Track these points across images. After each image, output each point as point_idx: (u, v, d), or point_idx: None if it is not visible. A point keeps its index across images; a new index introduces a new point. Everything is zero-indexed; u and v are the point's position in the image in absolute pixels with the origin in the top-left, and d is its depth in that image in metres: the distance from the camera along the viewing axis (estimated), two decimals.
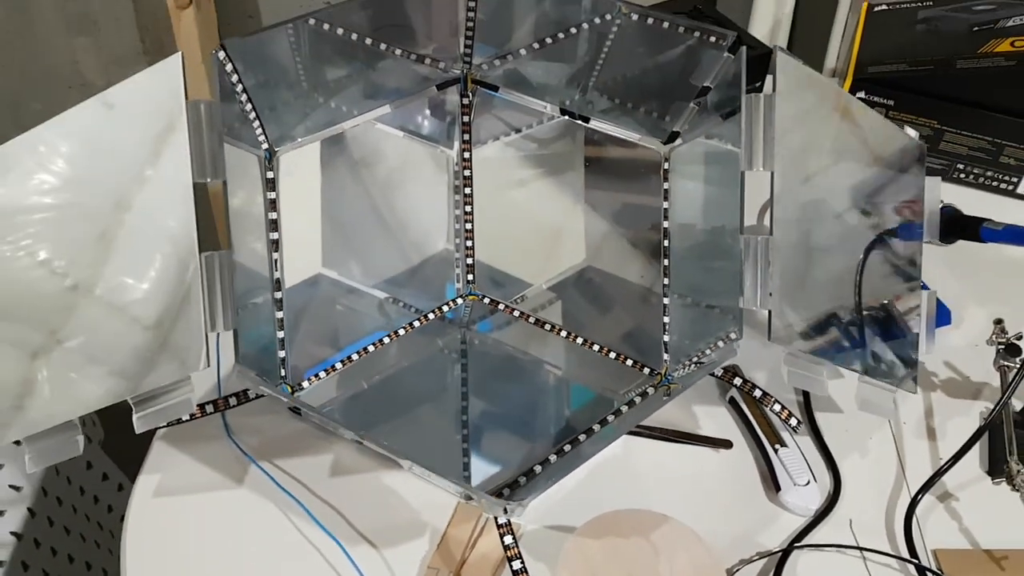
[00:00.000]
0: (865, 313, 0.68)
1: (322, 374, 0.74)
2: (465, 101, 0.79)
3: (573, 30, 0.75)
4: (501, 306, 0.82)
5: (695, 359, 0.72)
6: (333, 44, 0.72)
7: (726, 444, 0.70)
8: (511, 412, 0.77)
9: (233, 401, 0.66)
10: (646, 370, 0.75)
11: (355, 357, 0.76)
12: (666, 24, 0.69)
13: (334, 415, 0.72)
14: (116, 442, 1.20)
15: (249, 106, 0.63)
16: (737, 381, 0.68)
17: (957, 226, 0.75)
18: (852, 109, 0.62)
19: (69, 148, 0.56)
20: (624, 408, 0.71)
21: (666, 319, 0.75)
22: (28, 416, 0.55)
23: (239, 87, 0.60)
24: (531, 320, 0.80)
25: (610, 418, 0.70)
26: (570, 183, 0.83)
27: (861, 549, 0.63)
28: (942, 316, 0.80)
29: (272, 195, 0.70)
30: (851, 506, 0.66)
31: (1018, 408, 0.71)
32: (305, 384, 0.73)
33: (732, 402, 0.73)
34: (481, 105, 0.80)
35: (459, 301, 0.82)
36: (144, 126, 0.55)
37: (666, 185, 0.73)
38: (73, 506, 1.09)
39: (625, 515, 0.60)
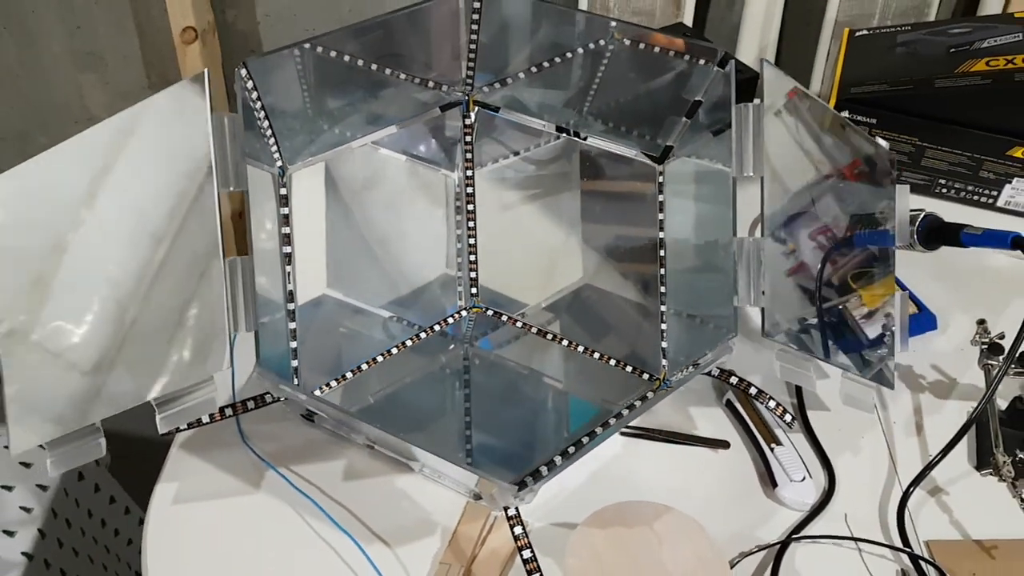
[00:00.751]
0: (843, 315, 0.72)
1: (333, 383, 0.76)
2: (468, 122, 0.82)
3: (568, 55, 0.79)
4: (504, 317, 0.84)
5: (693, 363, 0.75)
6: (338, 70, 0.75)
7: (724, 444, 0.73)
8: (514, 428, 0.79)
9: (251, 405, 0.69)
10: (645, 375, 0.78)
11: (364, 367, 0.79)
12: (657, 49, 0.73)
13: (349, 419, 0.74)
14: (123, 466, 1.22)
15: (267, 123, 0.67)
16: (733, 380, 0.71)
17: (939, 233, 0.79)
18: (833, 119, 0.66)
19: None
20: (625, 412, 0.74)
21: (664, 326, 0.78)
22: None
23: (258, 104, 0.64)
24: (533, 330, 0.83)
25: (612, 421, 0.73)
26: (567, 204, 0.86)
27: (856, 540, 0.66)
28: (928, 322, 0.83)
29: (285, 210, 0.73)
30: (846, 500, 0.69)
31: (1003, 406, 0.74)
32: (316, 394, 0.75)
33: (728, 405, 0.76)
34: (481, 128, 0.83)
35: (463, 314, 0.85)
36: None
37: (661, 197, 0.77)
38: (82, 528, 1.10)
39: (629, 506, 0.62)
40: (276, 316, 0.73)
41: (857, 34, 1.09)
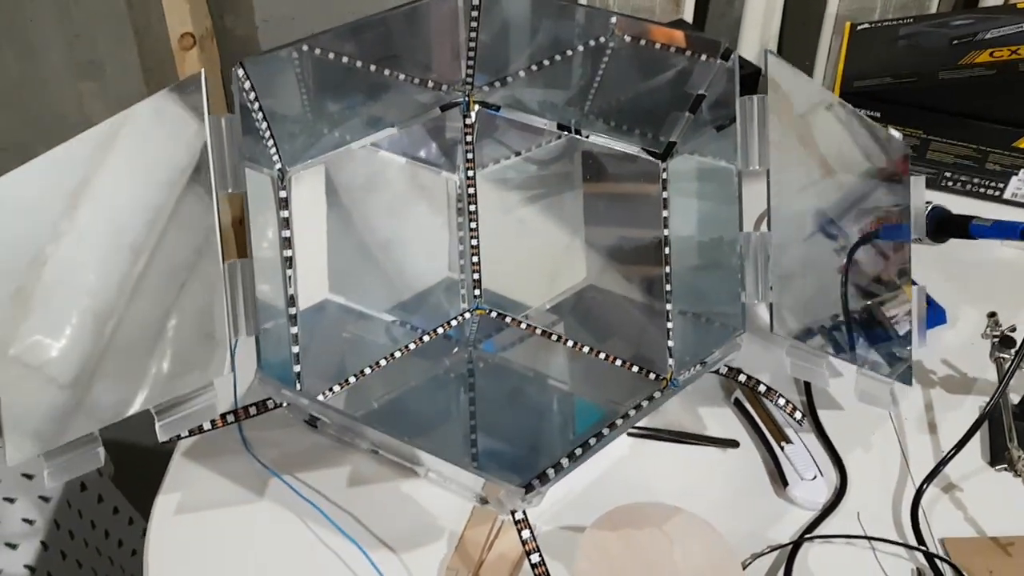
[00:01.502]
0: (859, 311, 0.70)
1: (336, 388, 0.76)
2: (468, 122, 0.82)
3: (569, 52, 0.78)
4: (508, 319, 0.83)
5: (700, 361, 0.74)
6: (336, 71, 0.74)
7: (733, 444, 0.72)
8: (520, 431, 0.78)
9: (253, 411, 0.68)
10: (652, 375, 0.77)
11: (367, 371, 0.78)
12: (658, 45, 0.72)
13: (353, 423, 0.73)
14: (126, 476, 1.21)
15: (265, 124, 0.66)
16: (742, 378, 0.70)
17: (948, 225, 0.78)
18: (840, 109, 0.65)
19: None
20: (632, 412, 0.73)
21: (669, 325, 0.77)
22: None
23: (256, 104, 0.63)
24: (538, 331, 0.82)
25: (618, 422, 0.72)
26: (569, 204, 0.85)
27: (870, 539, 0.64)
28: (938, 316, 0.82)
29: (285, 213, 0.72)
30: (858, 499, 0.68)
31: (1016, 400, 0.73)
32: (320, 399, 0.74)
33: (737, 403, 0.75)
34: (482, 129, 0.83)
35: (467, 316, 0.84)
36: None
37: (665, 194, 0.76)
38: (85, 540, 1.09)
39: (639, 507, 0.61)
40: (278, 321, 0.72)
41: (859, 28, 1.08)
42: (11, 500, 0.99)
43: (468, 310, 0.84)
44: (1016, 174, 0.96)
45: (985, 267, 0.89)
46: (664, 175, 0.76)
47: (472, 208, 0.84)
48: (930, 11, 1.16)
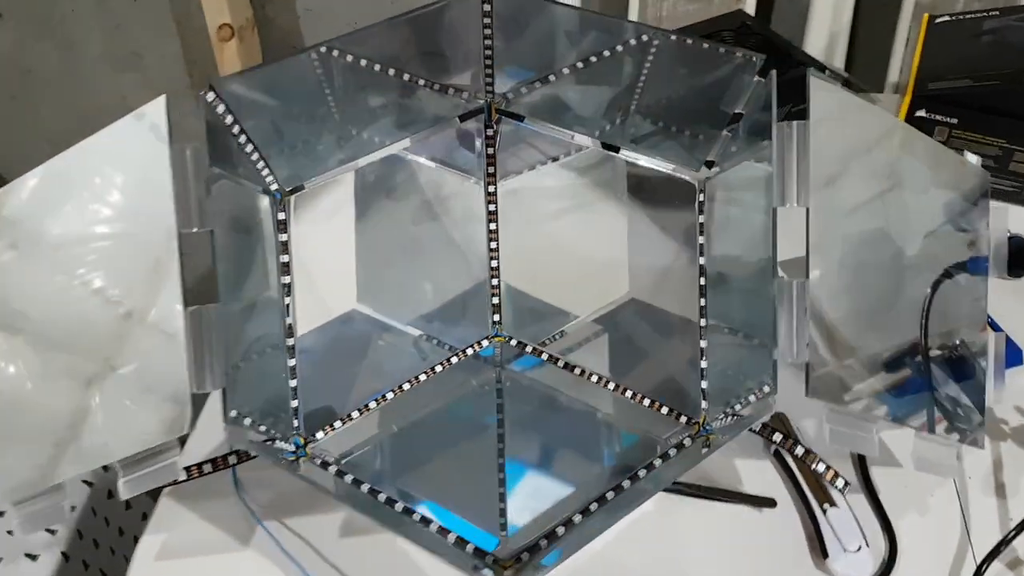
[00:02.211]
0: (922, 358, 0.62)
1: (337, 424, 0.70)
2: (489, 132, 0.75)
3: (607, 53, 0.71)
4: (529, 348, 0.77)
5: (736, 405, 0.67)
6: (348, 76, 0.69)
7: (769, 503, 0.64)
8: (550, 456, 0.72)
9: (233, 459, 0.63)
10: (683, 419, 0.70)
11: (372, 405, 0.72)
12: (705, 45, 0.64)
13: (348, 468, 0.68)
14: None
15: (251, 147, 0.60)
16: (777, 437, 0.62)
17: None
18: (902, 135, 0.56)
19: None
20: (658, 462, 0.66)
21: (703, 364, 0.69)
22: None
23: (235, 128, 0.57)
24: (559, 364, 0.75)
25: (641, 473, 0.65)
26: (612, 212, 0.79)
27: None
28: (1012, 356, 0.72)
29: (283, 237, 0.66)
30: (908, 574, 0.60)
31: None
32: (320, 435, 0.69)
33: (777, 455, 0.67)
34: (513, 133, 0.76)
35: (484, 343, 0.78)
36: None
37: (701, 218, 0.68)
38: (111, 548, 1.07)
39: None
40: (274, 353, 0.67)
41: (937, 20, 0.97)
42: None
43: (487, 336, 0.78)
44: None
45: None
46: (700, 196, 0.68)
47: (493, 226, 0.77)
48: (1019, 2, 1.04)
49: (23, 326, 0.55)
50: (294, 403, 0.68)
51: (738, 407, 0.67)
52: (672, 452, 0.67)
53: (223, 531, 0.63)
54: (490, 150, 0.75)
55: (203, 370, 0.53)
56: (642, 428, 0.72)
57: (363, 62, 0.68)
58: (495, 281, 0.78)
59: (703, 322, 0.69)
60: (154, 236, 0.55)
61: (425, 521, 0.58)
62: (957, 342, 0.63)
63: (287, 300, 0.67)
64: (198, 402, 0.60)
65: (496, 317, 0.78)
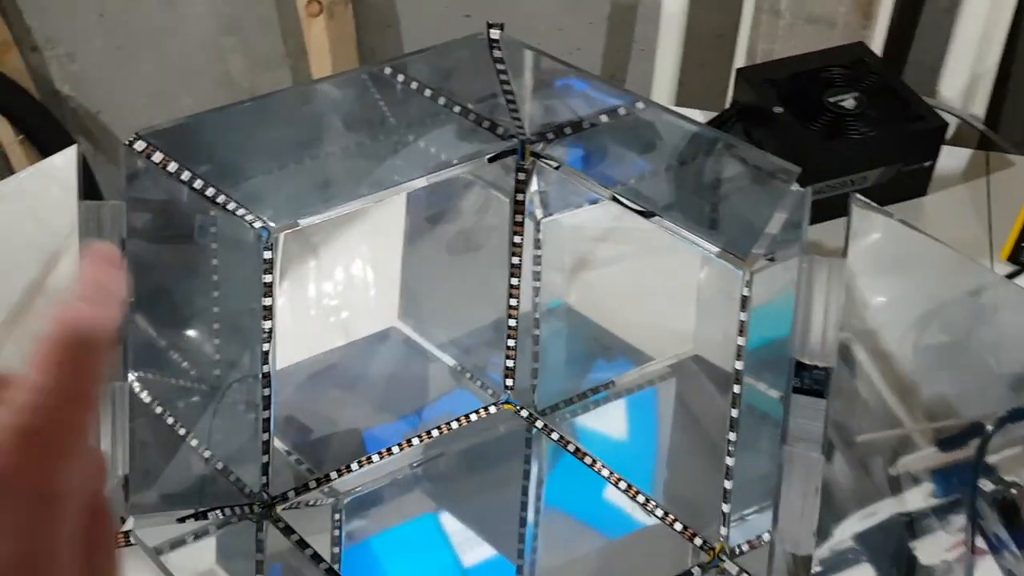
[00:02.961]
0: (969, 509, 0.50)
1: (308, 490, 0.64)
2: (521, 176, 0.65)
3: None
4: (540, 424, 0.68)
5: (765, 535, 0.57)
6: (372, 97, 0.61)
7: None
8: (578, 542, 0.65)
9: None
10: (698, 540, 0.60)
11: (355, 467, 0.65)
12: (734, 146, 0.53)
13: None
14: None
15: (212, 190, 0.53)
16: None
17: None
18: (988, 289, 0.43)
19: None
20: None
21: (728, 484, 0.58)
22: None
23: (184, 174, 0.50)
24: (570, 449, 0.66)
25: None
26: (679, 258, 0.69)
27: None
28: None
29: (268, 279, 0.59)
30: None
31: None
32: (291, 494, 0.63)
33: None
34: (547, 176, 0.67)
35: (492, 410, 0.69)
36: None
37: (742, 316, 0.57)
38: None
39: None
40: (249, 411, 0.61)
41: None
42: None
43: (495, 403, 0.69)
44: None
45: None
46: (746, 290, 0.56)
47: (515, 280, 0.68)
48: None
49: None
50: (264, 459, 0.62)
51: (766, 536, 0.57)
52: None
53: None
54: (520, 196, 0.66)
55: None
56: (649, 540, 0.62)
57: (398, 80, 0.60)
58: (512, 342, 0.69)
59: (732, 436, 0.58)
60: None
61: None
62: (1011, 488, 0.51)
63: (266, 347, 0.60)
64: None
65: (508, 381, 0.69)
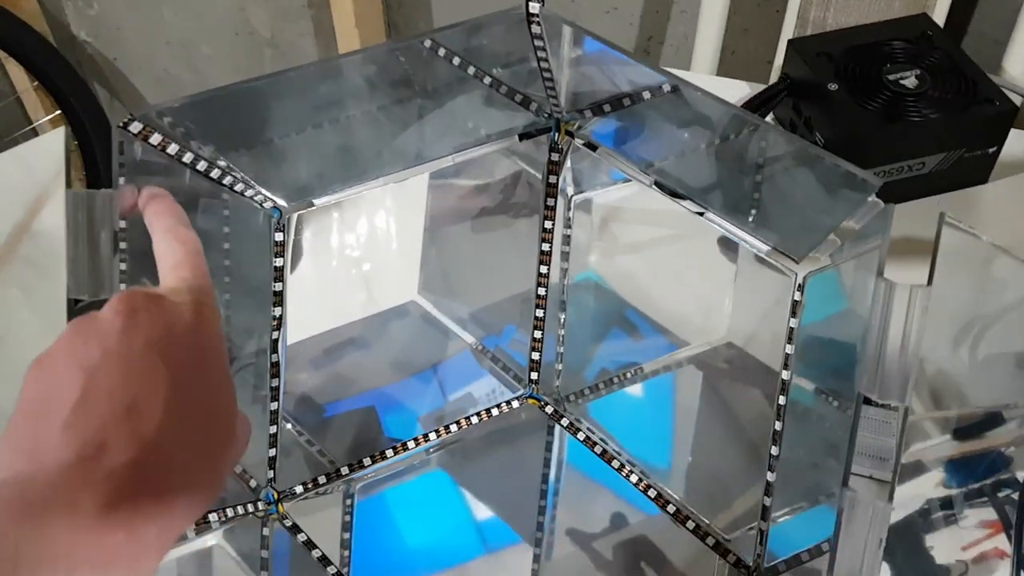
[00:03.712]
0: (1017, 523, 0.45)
1: (311, 484, 0.60)
2: (555, 157, 0.60)
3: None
4: (565, 422, 0.64)
5: (804, 555, 0.53)
6: (401, 68, 0.57)
7: None
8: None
9: None
10: (731, 556, 0.56)
11: (368, 462, 0.62)
12: (814, 152, 0.48)
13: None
14: None
15: (218, 171, 0.48)
16: None
17: None
18: None
19: None
20: None
21: (767, 500, 0.54)
22: None
23: (187, 156, 0.45)
24: (597, 451, 0.62)
25: None
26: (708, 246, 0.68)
27: None
28: None
29: (279, 262, 0.55)
30: None
31: None
32: (299, 489, 0.60)
33: None
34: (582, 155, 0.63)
35: (515, 404, 0.65)
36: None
37: (793, 323, 0.52)
38: None
39: None
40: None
41: None
42: None
43: (518, 397, 0.65)
44: None
45: None
46: (798, 295, 0.51)
47: (544, 269, 0.63)
48: None
49: None
50: (271, 452, 0.58)
51: (805, 558, 0.53)
52: None
53: None
54: (552, 179, 0.61)
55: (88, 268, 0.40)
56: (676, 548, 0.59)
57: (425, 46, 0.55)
58: (538, 333, 0.64)
59: (775, 450, 0.54)
60: None
61: None
62: None
63: (276, 334, 0.56)
64: None
65: (534, 375, 0.65)
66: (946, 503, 0.55)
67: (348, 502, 0.64)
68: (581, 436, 0.62)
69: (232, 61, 1.43)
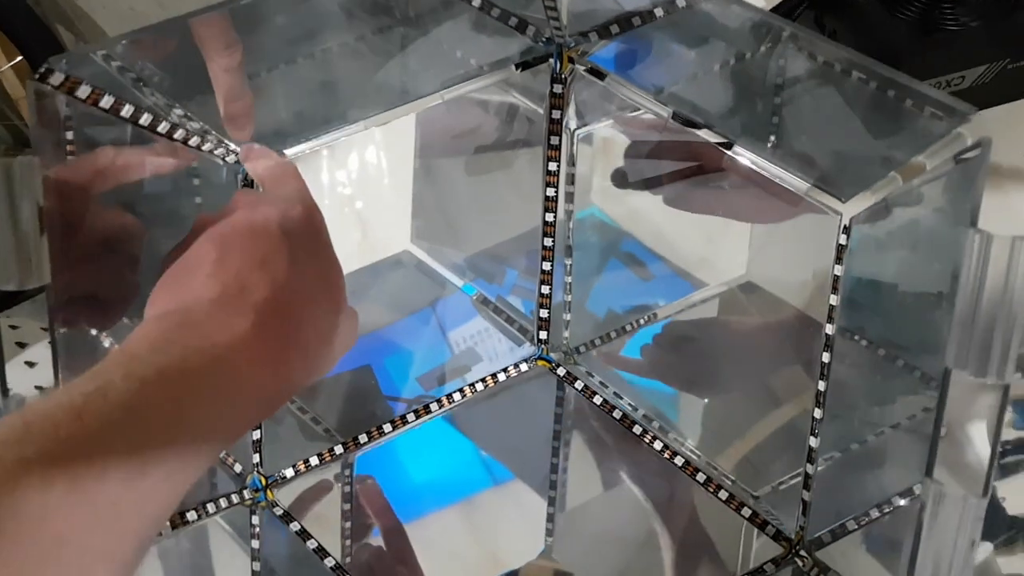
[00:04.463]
0: None
1: (302, 467, 0.54)
2: (557, 89, 0.53)
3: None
4: (580, 385, 0.58)
5: (851, 524, 0.48)
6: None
7: None
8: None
9: None
10: (770, 528, 0.51)
11: (364, 439, 0.56)
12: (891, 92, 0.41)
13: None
14: None
15: (166, 127, 0.41)
16: None
17: None
18: None
19: None
20: None
21: (810, 468, 0.49)
22: None
23: (125, 110, 0.38)
24: (616, 415, 0.56)
25: None
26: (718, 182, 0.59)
27: None
28: None
29: None
30: None
31: None
32: (289, 472, 0.54)
33: None
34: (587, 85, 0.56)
35: (523, 368, 0.59)
36: None
37: (838, 270, 0.45)
38: None
39: None
40: None
41: None
42: None
43: (527, 360, 0.59)
44: None
45: None
46: (843, 238, 0.44)
47: (550, 216, 0.57)
48: None
49: None
50: (256, 434, 0.52)
51: (852, 527, 0.48)
52: None
53: None
54: (555, 113, 0.54)
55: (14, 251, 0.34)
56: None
57: None
58: (545, 288, 0.58)
59: (818, 412, 0.48)
60: None
61: None
62: None
63: None
64: None
65: (543, 334, 0.59)
66: (1019, 446, 0.49)
67: (347, 472, 0.59)
68: (598, 400, 0.57)
69: None
